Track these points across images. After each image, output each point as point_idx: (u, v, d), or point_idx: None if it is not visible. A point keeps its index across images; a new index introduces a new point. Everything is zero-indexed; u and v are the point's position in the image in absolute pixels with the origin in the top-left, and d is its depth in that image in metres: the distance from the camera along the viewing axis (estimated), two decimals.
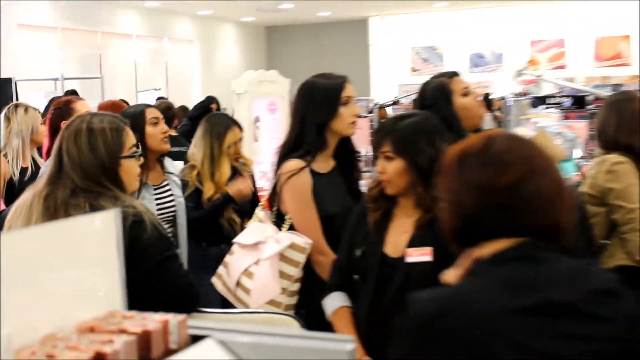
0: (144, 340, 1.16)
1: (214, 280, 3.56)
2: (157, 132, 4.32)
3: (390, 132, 3.07)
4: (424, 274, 2.89)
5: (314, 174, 3.37)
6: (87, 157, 2.74)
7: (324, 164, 3.45)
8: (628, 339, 1.79)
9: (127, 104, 7.37)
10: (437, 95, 3.85)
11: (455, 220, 1.92)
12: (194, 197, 4.72)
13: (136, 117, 4.23)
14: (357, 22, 22.05)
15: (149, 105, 4.80)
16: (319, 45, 22.17)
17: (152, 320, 1.21)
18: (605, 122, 4.17)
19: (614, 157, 4.03)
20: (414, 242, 3.01)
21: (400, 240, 3.05)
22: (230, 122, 5.07)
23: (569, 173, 5.07)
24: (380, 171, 3.04)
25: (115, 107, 5.97)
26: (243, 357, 1.25)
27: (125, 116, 4.21)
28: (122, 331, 1.16)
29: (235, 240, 3.54)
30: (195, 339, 1.26)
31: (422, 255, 2.98)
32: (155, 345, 1.18)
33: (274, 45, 23.23)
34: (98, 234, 1.32)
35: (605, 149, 4.16)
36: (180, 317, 1.24)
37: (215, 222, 4.73)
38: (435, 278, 2.56)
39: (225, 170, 4.83)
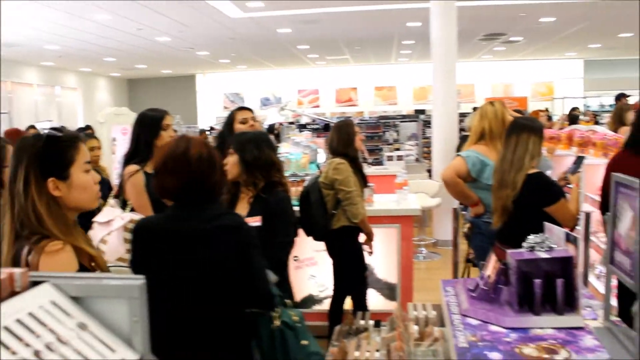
0: None
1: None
2: None
3: (235, 138, 3.22)
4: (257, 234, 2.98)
5: (146, 174, 3.26)
6: None
7: (152, 167, 3.36)
8: (238, 250, 2.18)
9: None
10: (226, 121, 3.88)
11: (166, 191, 2.21)
12: None
13: None
14: (188, 77, 21.64)
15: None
16: (164, 91, 21.53)
17: (4, 273, 1.13)
18: (332, 138, 4.28)
19: (337, 160, 4.15)
20: (250, 214, 3.04)
21: (241, 213, 3.05)
22: (87, 137, 4.86)
23: (314, 170, 5.20)
24: (226, 162, 3.08)
25: (17, 133, 5.57)
26: (70, 293, 1.18)
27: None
28: None
29: (94, 219, 3.38)
30: (36, 283, 1.18)
31: (254, 222, 3.00)
32: (3, 289, 1.10)
33: (133, 92, 22.33)
34: None
35: (332, 155, 4.27)
36: (23, 270, 1.16)
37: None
38: (264, 237, 2.88)
39: None
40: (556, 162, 5.44)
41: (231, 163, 3.07)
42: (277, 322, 2.37)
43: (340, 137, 4.21)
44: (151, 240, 2.20)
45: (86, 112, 18.78)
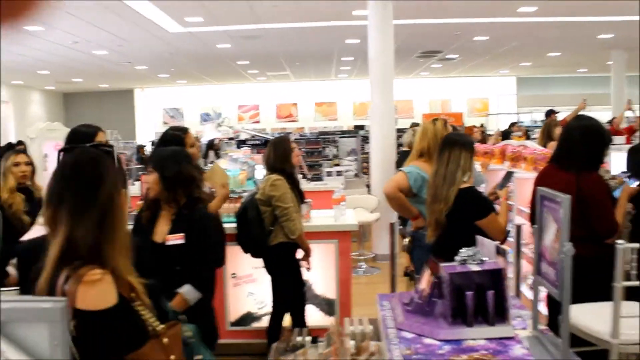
0: None
1: (9, 268, 3.23)
2: None
3: (153, 156, 3.18)
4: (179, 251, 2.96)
5: None
6: None
7: None
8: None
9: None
10: (174, 143, 3.83)
11: None
12: None
13: None
14: (126, 92, 21.25)
15: None
16: (101, 105, 21.04)
17: None
18: (268, 154, 4.26)
19: (274, 176, 4.14)
20: (172, 231, 2.99)
21: (163, 230, 3.01)
22: (13, 152, 4.65)
23: (252, 187, 5.16)
24: (146, 181, 3.03)
25: None
26: None
27: None
28: None
29: (21, 238, 3.24)
30: None
31: (177, 239, 2.97)
32: None
33: (69, 106, 21.72)
34: None
35: (269, 171, 4.25)
36: None
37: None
38: (188, 254, 2.89)
39: (10, 180, 4.36)
40: (490, 176, 5.59)
41: (152, 181, 3.01)
42: None
43: (277, 153, 4.20)
44: (36, 261, 2.07)
45: (18, 127, 18.10)
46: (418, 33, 11.55)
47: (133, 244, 2.15)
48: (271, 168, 4.21)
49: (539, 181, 3.49)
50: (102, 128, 3.41)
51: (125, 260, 1.66)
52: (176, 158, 3.07)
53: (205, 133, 7.67)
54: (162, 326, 1.68)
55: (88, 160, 1.70)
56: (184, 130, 3.98)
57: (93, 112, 20.32)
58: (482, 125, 14.04)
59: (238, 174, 5.12)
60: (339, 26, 10.65)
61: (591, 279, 3.03)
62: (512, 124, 12.31)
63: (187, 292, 2.92)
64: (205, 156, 8.64)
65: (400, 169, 4.05)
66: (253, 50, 13.22)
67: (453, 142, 3.40)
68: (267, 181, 4.15)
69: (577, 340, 3.00)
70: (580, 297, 3.04)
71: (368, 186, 9.29)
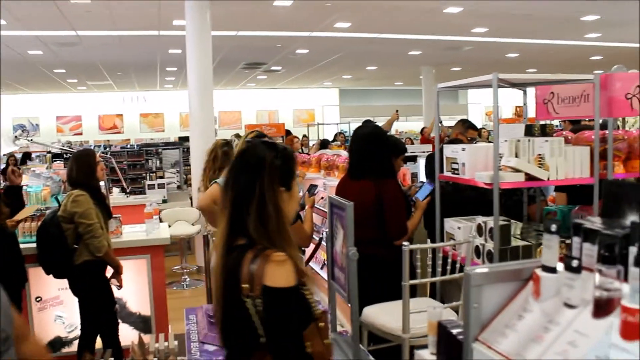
0: None
1: None
2: None
3: None
4: None
5: None
6: None
7: None
8: None
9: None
10: None
11: None
12: None
13: None
14: None
15: None
16: None
17: None
18: (70, 169, 3.99)
19: (76, 192, 3.87)
20: None
21: None
22: None
23: (56, 204, 4.82)
24: None
25: None
26: None
27: None
28: None
29: None
30: None
31: None
32: None
33: None
34: None
35: (72, 186, 3.98)
36: None
37: None
38: None
39: None
40: (306, 185, 5.75)
41: None
42: None
43: (80, 168, 3.94)
44: None
45: None
46: (241, 45, 11.62)
47: None
48: (74, 183, 3.94)
49: (337, 190, 3.65)
50: None
51: (295, 249, 1.76)
52: None
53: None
54: (320, 311, 1.76)
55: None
56: None
57: None
58: (304, 136, 14.40)
59: (40, 190, 4.76)
60: (160, 35, 10.40)
61: (387, 279, 3.21)
62: (337, 134, 12.79)
63: None
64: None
65: (216, 181, 3.97)
66: (69, 58, 12.50)
67: None
68: (68, 197, 3.88)
69: (378, 338, 3.16)
70: (378, 296, 3.22)
71: (192, 198, 9.13)
